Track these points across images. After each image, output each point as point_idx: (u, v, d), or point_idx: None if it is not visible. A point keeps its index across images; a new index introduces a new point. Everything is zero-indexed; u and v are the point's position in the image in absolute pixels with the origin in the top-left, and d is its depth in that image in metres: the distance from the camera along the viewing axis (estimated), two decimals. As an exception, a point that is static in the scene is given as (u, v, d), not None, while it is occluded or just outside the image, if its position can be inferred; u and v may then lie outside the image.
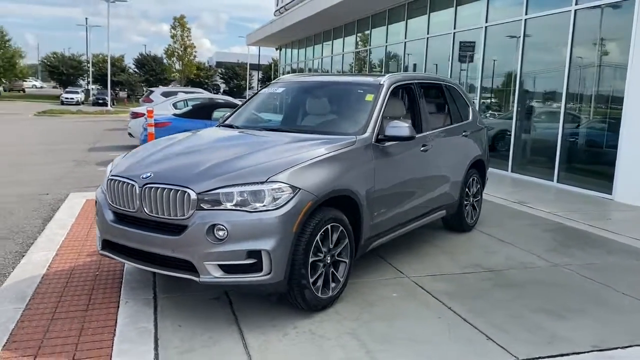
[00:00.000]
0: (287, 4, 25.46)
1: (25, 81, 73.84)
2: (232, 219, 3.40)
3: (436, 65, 14.49)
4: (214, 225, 3.39)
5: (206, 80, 70.91)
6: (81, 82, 65.22)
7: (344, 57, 20.91)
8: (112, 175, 3.92)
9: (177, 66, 44.26)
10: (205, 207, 3.44)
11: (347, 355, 3.24)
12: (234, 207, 3.44)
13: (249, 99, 5.73)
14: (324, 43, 23.14)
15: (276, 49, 33.92)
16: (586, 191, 9.04)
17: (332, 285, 3.93)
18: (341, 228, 3.94)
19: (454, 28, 13.23)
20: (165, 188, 3.56)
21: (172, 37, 34.09)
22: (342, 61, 21.11)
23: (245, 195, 3.46)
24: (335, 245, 3.92)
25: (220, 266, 3.43)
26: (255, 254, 3.42)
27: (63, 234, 5.69)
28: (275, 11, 28.45)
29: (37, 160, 12.45)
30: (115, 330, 3.47)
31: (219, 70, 67.85)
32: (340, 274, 4.02)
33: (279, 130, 4.76)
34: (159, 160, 4.00)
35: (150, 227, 3.62)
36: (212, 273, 3.43)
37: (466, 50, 12.99)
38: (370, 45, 18.31)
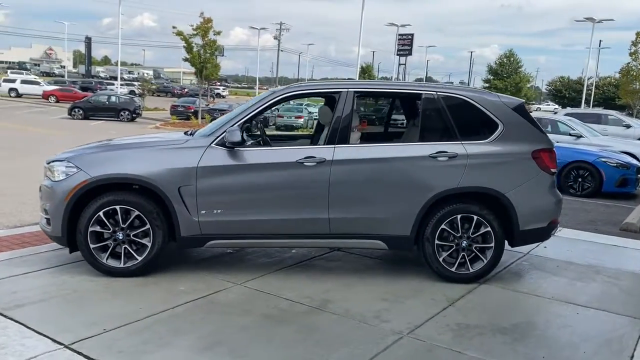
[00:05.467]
0: None
1: (531, 104, 78.36)
2: (44, 183, 4.78)
3: None
4: (40, 187, 4.85)
5: None
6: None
7: None
8: None
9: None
10: (47, 175, 4.90)
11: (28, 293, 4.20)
12: (56, 177, 4.74)
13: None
14: None
15: None
16: None
17: (128, 260, 4.61)
18: (137, 213, 4.55)
19: None
20: None
21: (631, 54, 30.12)
22: None
23: (61, 169, 4.70)
24: (130, 227, 4.58)
25: (45, 218, 4.84)
26: (46, 212, 4.69)
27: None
28: None
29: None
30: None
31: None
32: (140, 255, 4.61)
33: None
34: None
35: None
36: (41, 221, 4.89)
37: None
38: None
